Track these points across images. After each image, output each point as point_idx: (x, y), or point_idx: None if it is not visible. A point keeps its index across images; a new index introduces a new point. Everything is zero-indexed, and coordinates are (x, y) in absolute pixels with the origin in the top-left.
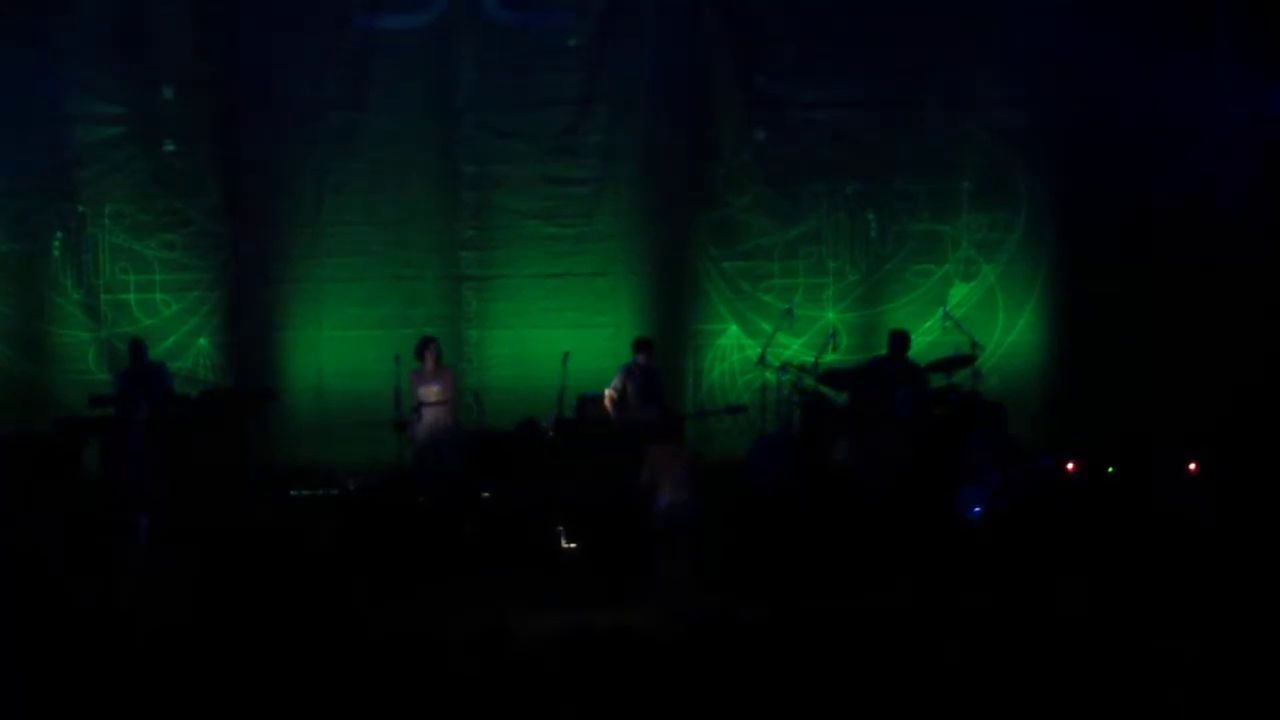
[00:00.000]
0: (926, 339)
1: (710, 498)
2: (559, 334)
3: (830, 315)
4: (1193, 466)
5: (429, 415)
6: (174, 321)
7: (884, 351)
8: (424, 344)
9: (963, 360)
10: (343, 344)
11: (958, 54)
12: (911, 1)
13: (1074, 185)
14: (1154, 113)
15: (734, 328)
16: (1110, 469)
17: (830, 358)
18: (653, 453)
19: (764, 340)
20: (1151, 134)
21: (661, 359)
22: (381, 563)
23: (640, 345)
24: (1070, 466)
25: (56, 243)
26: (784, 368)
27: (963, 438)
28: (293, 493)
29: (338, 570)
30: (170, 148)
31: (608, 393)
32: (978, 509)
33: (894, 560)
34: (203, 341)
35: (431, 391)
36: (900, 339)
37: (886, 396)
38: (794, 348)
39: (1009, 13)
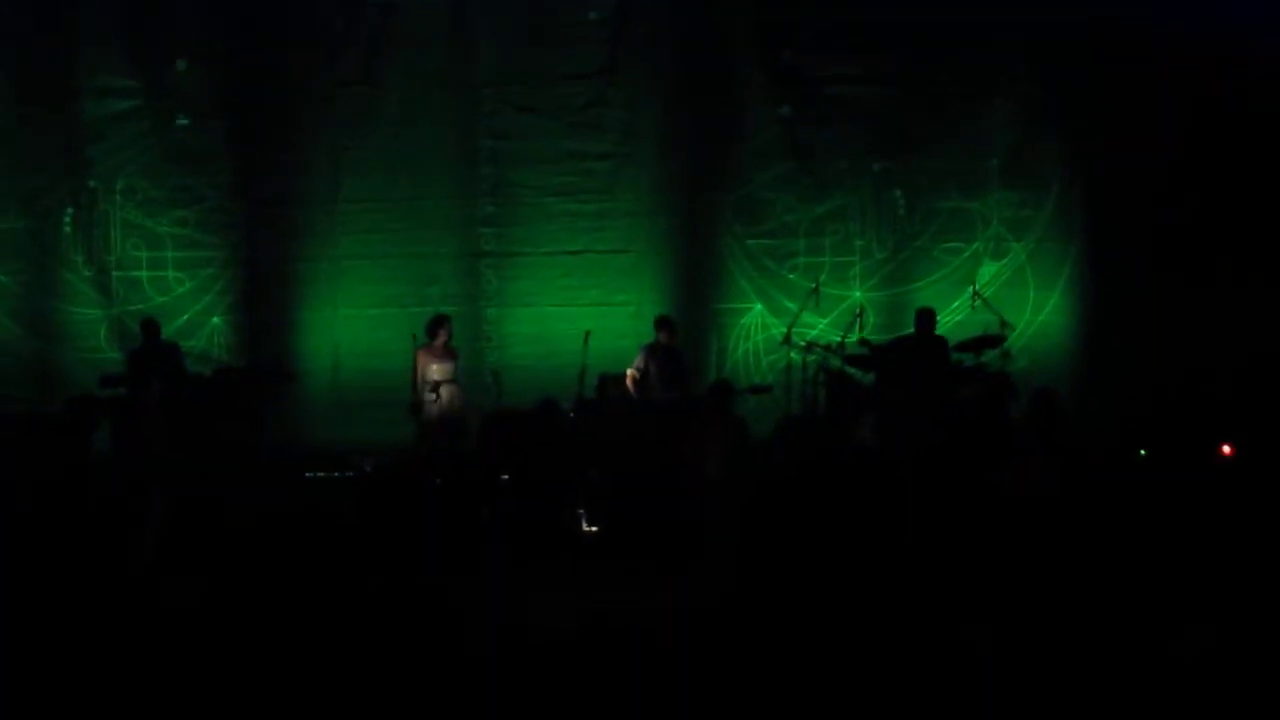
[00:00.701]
0: (955, 318)
1: (733, 478)
2: (580, 312)
3: (857, 294)
4: (1226, 449)
5: (444, 393)
6: (187, 299)
7: (911, 331)
8: (440, 321)
9: (992, 340)
10: (359, 323)
11: (987, 28)
12: None
13: (1105, 161)
14: (1186, 86)
15: (758, 306)
16: (1142, 452)
17: (856, 337)
18: (699, 428)
19: (789, 319)
20: (1184, 107)
21: (684, 338)
22: (399, 546)
23: (662, 324)
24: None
25: (67, 219)
26: (809, 347)
27: (1002, 419)
28: (308, 474)
29: (354, 553)
30: (183, 122)
31: (629, 372)
32: None
33: (918, 541)
34: (216, 320)
35: (444, 369)
36: (926, 318)
37: (912, 376)
38: (820, 327)
39: None
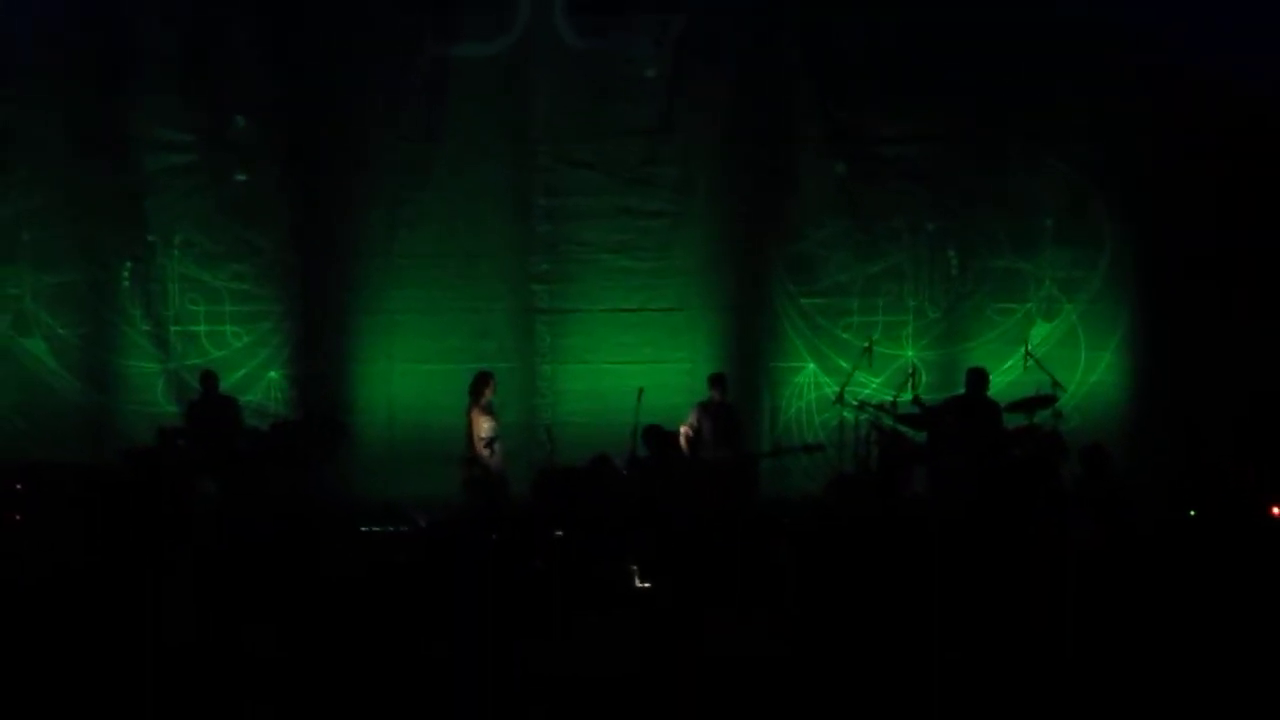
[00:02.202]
0: (1007, 378)
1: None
2: (634, 369)
3: (909, 353)
4: (1277, 511)
5: (499, 449)
6: (244, 354)
7: (963, 390)
8: (486, 378)
9: (1044, 400)
10: (414, 377)
11: (1040, 89)
12: (993, 36)
13: (1158, 223)
14: (1241, 148)
15: (811, 365)
16: (1191, 512)
17: (908, 396)
18: None
19: (842, 378)
20: (1245, 160)
21: (738, 396)
22: (456, 601)
23: (715, 381)
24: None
25: (125, 272)
26: (862, 406)
27: (1054, 478)
28: (363, 529)
29: (409, 608)
30: (241, 177)
31: (683, 430)
32: None
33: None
34: (273, 374)
35: (495, 425)
36: (979, 378)
37: (964, 436)
38: (872, 386)
39: (1092, 48)
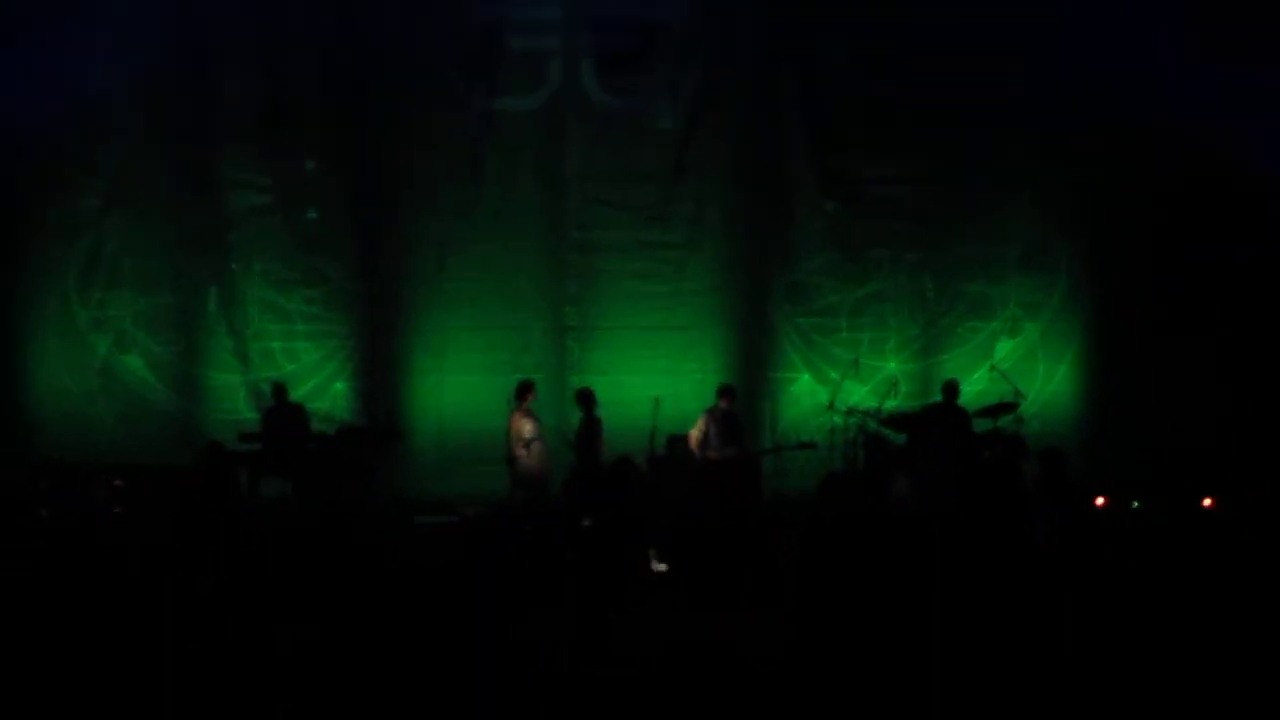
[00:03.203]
0: (976, 388)
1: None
2: (652, 380)
3: (892, 366)
4: (1207, 502)
5: (538, 448)
6: (313, 367)
7: (938, 398)
8: (529, 386)
9: (1007, 407)
10: (461, 387)
11: (1007, 137)
12: (966, 94)
13: (1109, 254)
14: (1182, 186)
15: (806, 376)
16: (1136, 504)
17: (891, 403)
18: None
19: (833, 388)
20: (1183, 202)
21: (742, 403)
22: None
23: (723, 391)
24: (1100, 501)
25: (211, 296)
26: (850, 412)
27: (1017, 475)
28: (417, 520)
29: (458, 591)
30: (312, 214)
31: (692, 434)
32: None
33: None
34: (339, 385)
35: (534, 428)
36: (951, 388)
37: (939, 438)
38: (859, 394)
39: (1054, 102)
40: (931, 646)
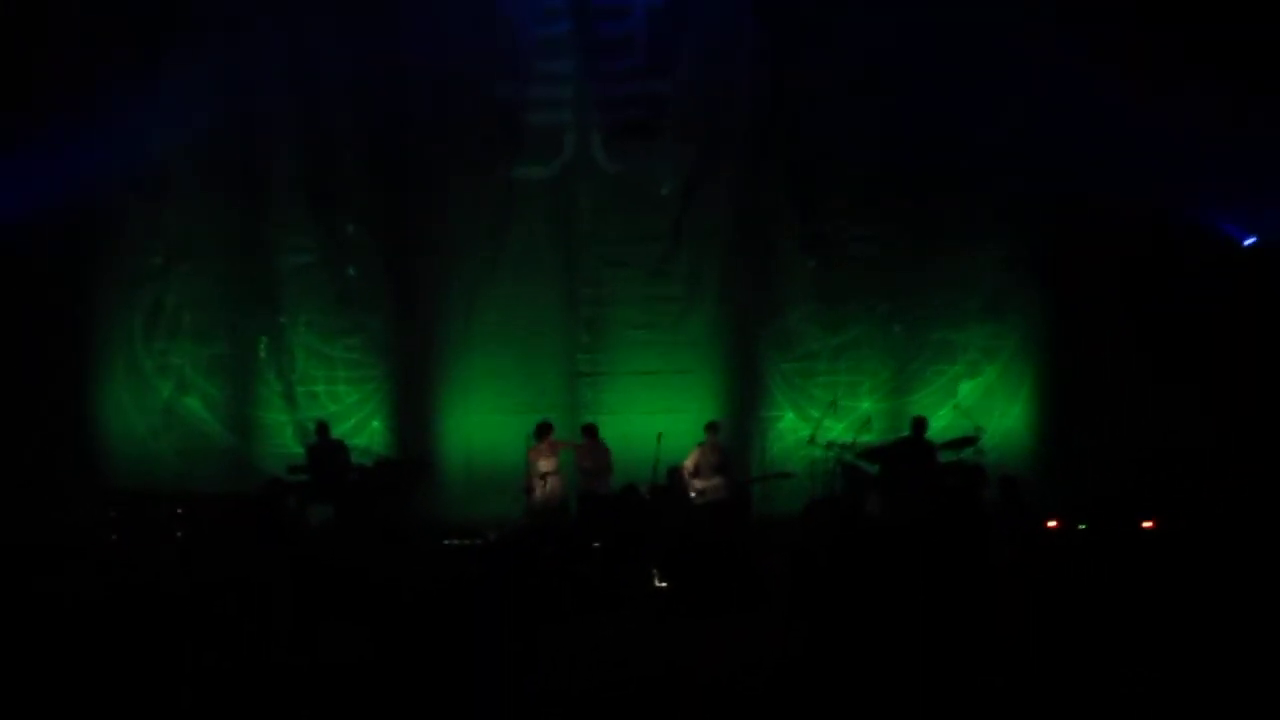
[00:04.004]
0: (941, 424)
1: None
2: (655, 418)
3: (866, 404)
4: (1148, 524)
5: (549, 481)
6: (354, 407)
7: (908, 433)
8: (547, 427)
9: (969, 440)
10: (485, 425)
11: (970, 200)
12: (933, 160)
13: (1058, 306)
14: (1123, 243)
15: (790, 414)
16: (1083, 525)
17: (866, 438)
18: None
19: (814, 424)
20: (1124, 258)
21: (733, 438)
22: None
23: (710, 427)
24: (1051, 523)
25: (262, 344)
26: (830, 445)
27: (976, 500)
28: (445, 542)
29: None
30: (351, 272)
31: (685, 464)
32: None
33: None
34: (376, 423)
35: (549, 463)
36: (919, 424)
37: (908, 468)
38: (838, 430)
39: (1010, 171)
40: (906, 651)
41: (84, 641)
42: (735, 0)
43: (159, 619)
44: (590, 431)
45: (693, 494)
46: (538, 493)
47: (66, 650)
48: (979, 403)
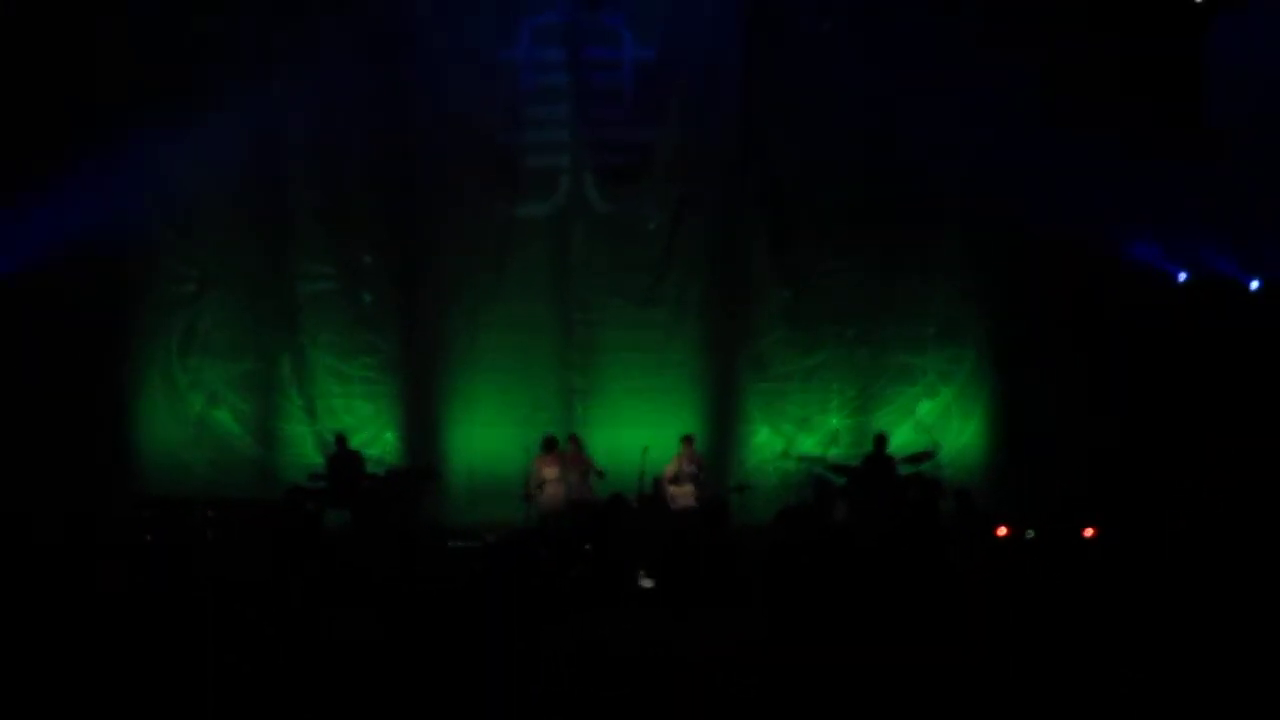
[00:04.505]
0: (901, 439)
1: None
2: (641, 432)
3: (834, 421)
4: (1088, 532)
5: (547, 489)
6: (369, 420)
7: (871, 448)
8: (552, 441)
9: (926, 455)
10: (487, 437)
11: (928, 235)
12: (895, 199)
13: (1009, 331)
14: (1064, 282)
15: (765, 429)
16: (1030, 533)
17: (833, 452)
18: None
19: (787, 439)
20: (1071, 294)
21: (713, 451)
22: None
23: (684, 439)
24: (1001, 531)
25: (285, 363)
26: (801, 458)
27: (934, 510)
28: (450, 544)
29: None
30: (367, 298)
31: (666, 471)
32: None
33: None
34: (388, 435)
35: (552, 472)
36: (881, 440)
37: (872, 480)
38: (808, 444)
39: (964, 204)
40: (868, 639)
41: (119, 631)
42: (714, 55)
43: (188, 611)
44: (575, 441)
45: (671, 500)
46: (540, 498)
47: (103, 640)
48: (936, 420)
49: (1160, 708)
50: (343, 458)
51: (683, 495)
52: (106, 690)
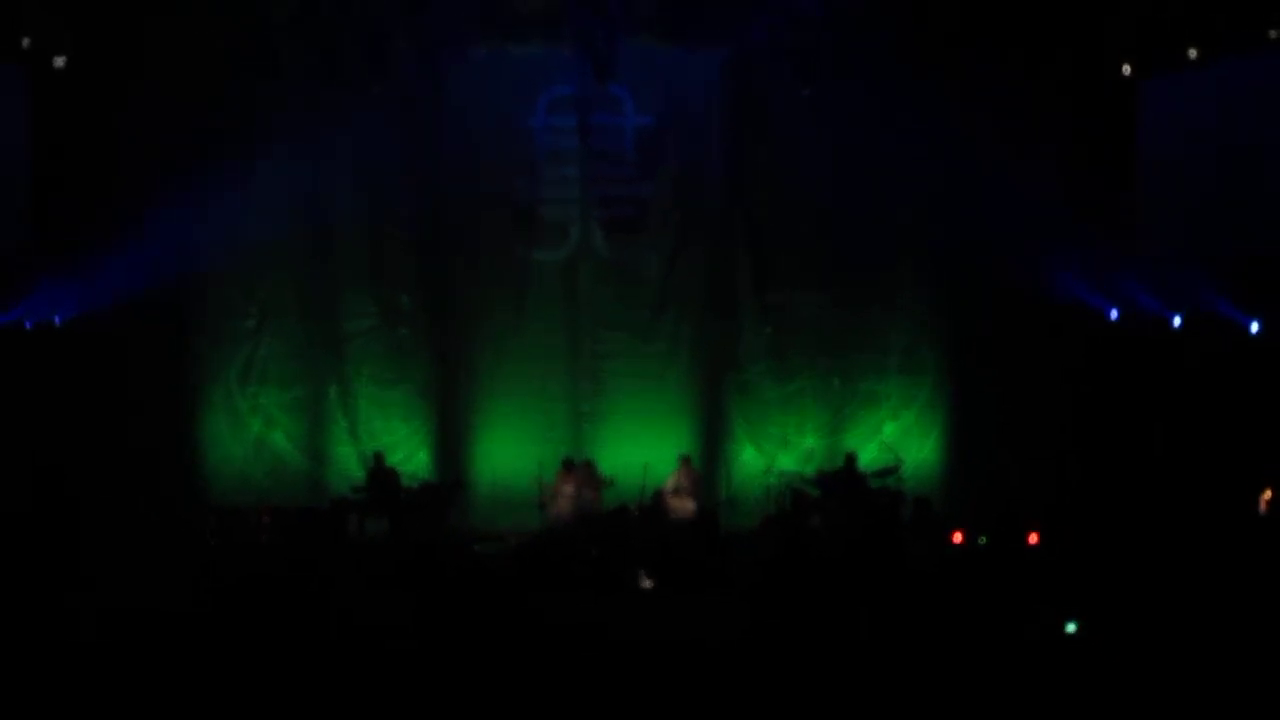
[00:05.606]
0: (869, 456)
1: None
2: (643, 451)
3: (809, 441)
4: (1033, 538)
5: (562, 502)
6: (404, 440)
7: (842, 465)
8: (570, 462)
9: (891, 470)
10: (508, 454)
11: (891, 275)
12: (861, 242)
13: (964, 360)
14: (1016, 314)
15: (750, 448)
16: (982, 539)
17: (809, 468)
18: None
19: (768, 456)
20: (1016, 327)
21: (704, 467)
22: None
23: (683, 457)
24: (957, 537)
25: (333, 390)
26: (781, 474)
27: (897, 518)
28: (476, 547)
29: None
30: (404, 332)
31: (665, 485)
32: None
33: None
34: (422, 454)
35: (568, 488)
36: (851, 457)
37: (842, 492)
38: (787, 461)
39: (922, 246)
40: (841, 626)
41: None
42: (703, 120)
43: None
44: (588, 465)
45: (670, 510)
46: (553, 509)
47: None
48: (899, 439)
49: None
50: (380, 473)
51: (680, 507)
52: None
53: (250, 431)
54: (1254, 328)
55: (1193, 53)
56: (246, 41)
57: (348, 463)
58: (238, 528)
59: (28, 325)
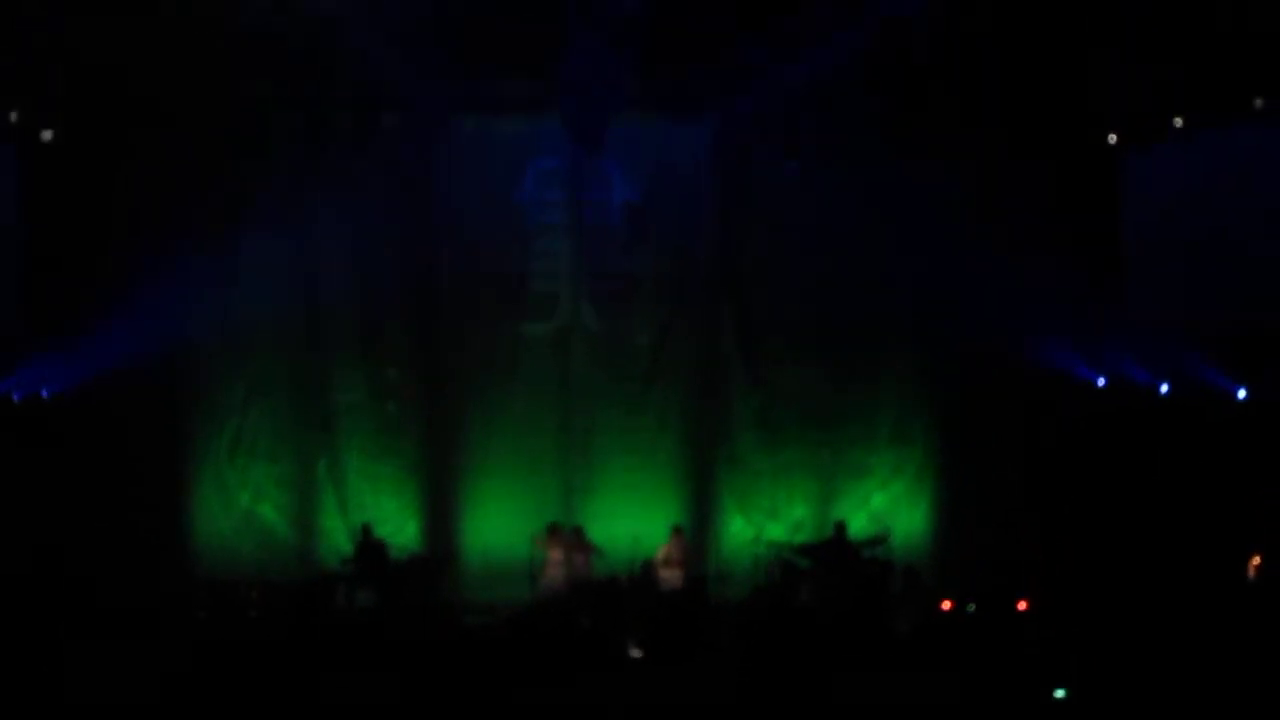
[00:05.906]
0: (858, 526)
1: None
2: (633, 523)
3: (799, 511)
4: (1021, 605)
5: (551, 570)
6: (394, 513)
7: (831, 535)
8: (554, 527)
9: (880, 540)
10: (498, 527)
11: (880, 350)
12: (850, 315)
13: (952, 432)
14: (1005, 387)
15: (739, 518)
16: (971, 606)
17: (799, 538)
18: None
19: (757, 527)
20: (1004, 400)
21: (693, 538)
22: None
23: (675, 529)
24: (946, 605)
25: (321, 464)
26: (770, 544)
27: (885, 587)
28: (466, 619)
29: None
30: (392, 408)
31: (656, 557)
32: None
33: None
34: (411, 526)
35: (556, 555)
36: (841, 527)
37: (831, 562)
38: (776, 531)
39: (910, 322)
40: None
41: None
42: (690, 195)
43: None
44: (578, 532)
45: (660, 582)
46: (543, 579)
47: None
48: (888, 509)
49: None
50: (369, 545)
51: (670, 577)
52: None
53: (239, 505)
54: (1240, 394)
55: (1178, 122)
56: (235, 117)
57: (336, 536)
58: (226, 601)
59: (16, 398)
